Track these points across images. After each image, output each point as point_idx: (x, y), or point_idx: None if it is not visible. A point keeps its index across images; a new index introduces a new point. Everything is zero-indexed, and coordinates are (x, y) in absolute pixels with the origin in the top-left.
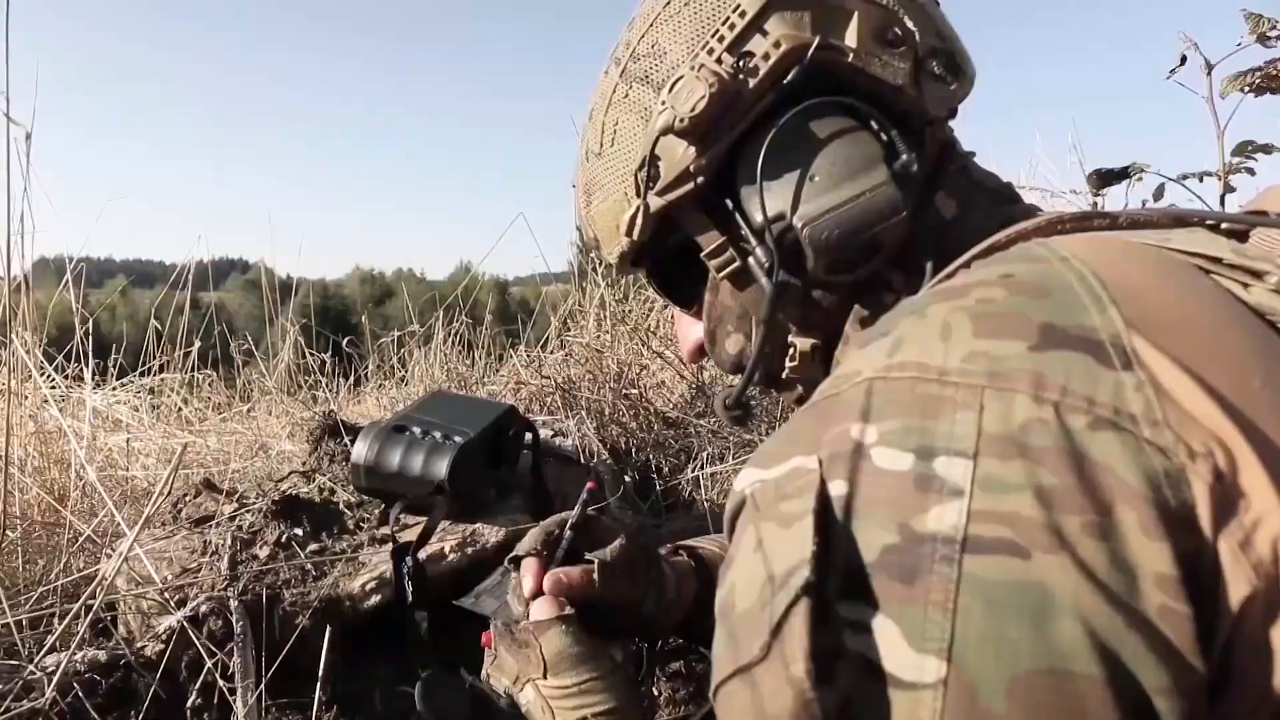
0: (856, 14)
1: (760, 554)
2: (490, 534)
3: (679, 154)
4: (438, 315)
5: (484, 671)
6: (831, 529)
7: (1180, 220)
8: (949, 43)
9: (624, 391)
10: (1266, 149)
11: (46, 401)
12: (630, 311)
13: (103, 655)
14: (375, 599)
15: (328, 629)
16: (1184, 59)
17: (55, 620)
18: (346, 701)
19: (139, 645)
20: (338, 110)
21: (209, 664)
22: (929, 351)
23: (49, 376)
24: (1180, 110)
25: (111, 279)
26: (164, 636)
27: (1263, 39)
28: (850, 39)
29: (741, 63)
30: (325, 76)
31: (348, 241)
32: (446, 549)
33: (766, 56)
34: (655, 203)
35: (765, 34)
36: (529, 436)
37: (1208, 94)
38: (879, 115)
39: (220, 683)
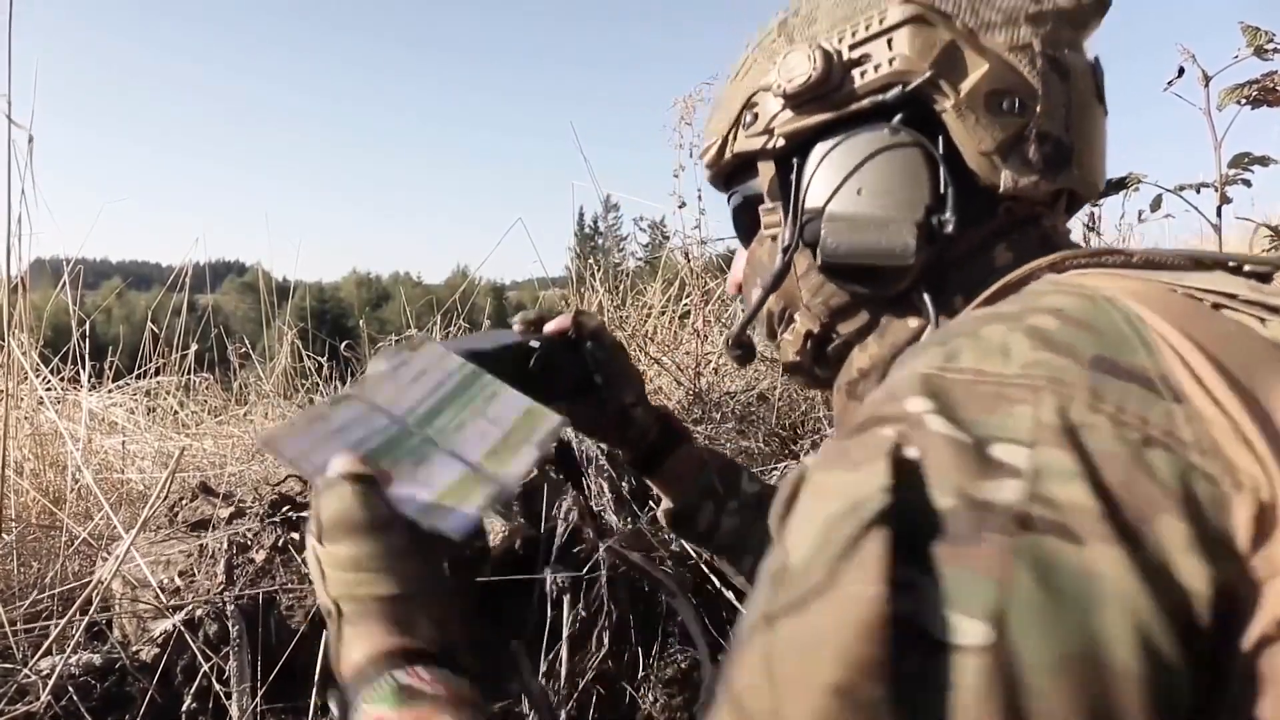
0: (985, 68)
1: (823, 499)
2: (490, 536)
3: (771, 110)
4: (435, 319)
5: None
6: (901, 481)
7: (1198, 262)
8: (1073, 138)
9: None
10: (1263, 161)
11: (42, 403)
12: (628, 318)
13: (98, 659)
14: None
15: (324, 633)
16: (1181, 71)
17: (51, 624)
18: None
19: (134, 649)
20: (337, 113)
21: (204, 668)
22: (987, 362)
23: (45, 378)
24: (1178, 121)
25: (108, 280)
26: (159, 640)
27: (1260, 52)
28: (963, 87)
29: (859, 59)
30: (324, 79)
31: (345, 244)
32: None
33: (878, 67)
34: (740, 143)
35: (890, 46)
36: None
37: (1205, 106)
38: (947, 167)
39: (216, 686)
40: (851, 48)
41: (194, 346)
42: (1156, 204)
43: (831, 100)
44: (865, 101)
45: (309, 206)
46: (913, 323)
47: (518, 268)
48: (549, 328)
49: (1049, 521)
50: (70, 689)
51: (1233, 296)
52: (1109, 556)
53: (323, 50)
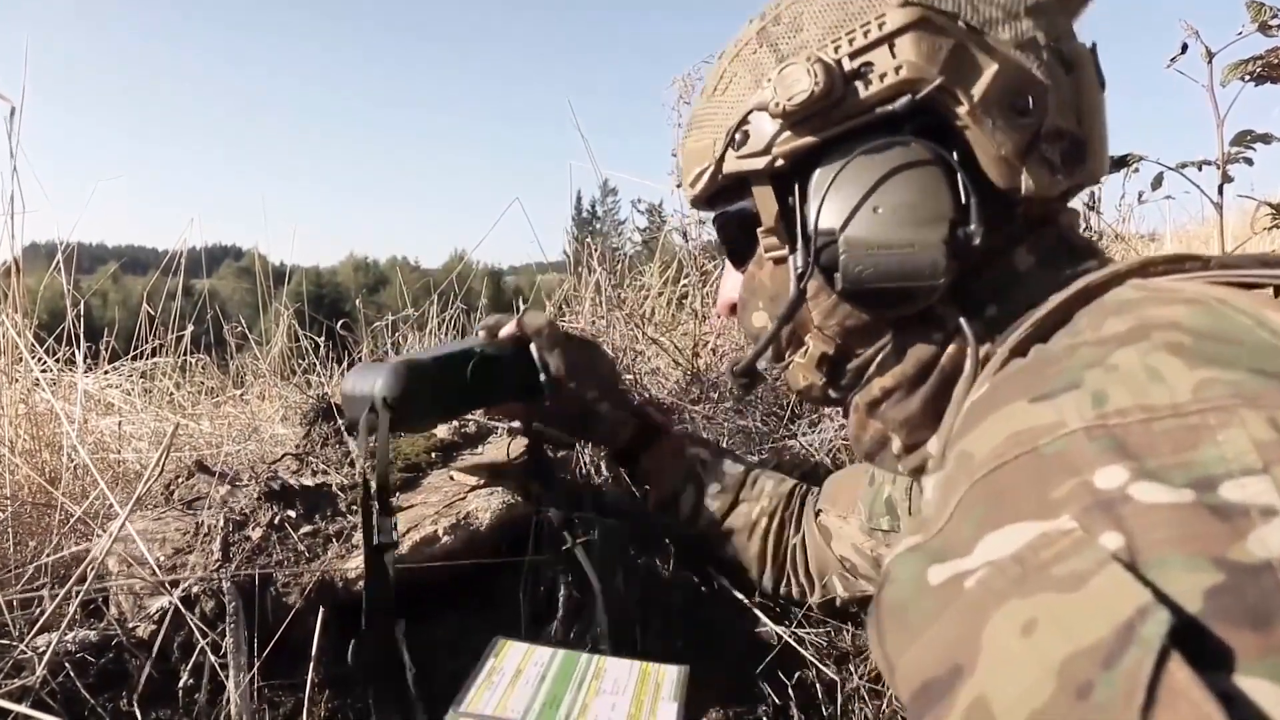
0: (995, 69)
1: (1037, 637)
2: (483, 516)
3: (768, 130)
4: (432, 301)
5: None
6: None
7: (1266, 262)
8: (1086, 130)
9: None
10: (1265, 139)
11: (38, 384)
12: (625, 298)
13: (94, 635)
14: None
15: (320, 610)
16: (1185, 47)
17: (46, 600)
18: (339, 682)
19: (131, 626)
20: (333, 98)
21: (202, 644)
22: (1146, 394)
23: (40, 359)
24: (1176, 106)
25: (104, 265)
26: (156, 617)
27: (1264, 28)
28: (976, 91)
29: (861, 69)
30: (320, 65)
31: (342, 230)
32: (440, 531)
33: (883, 76)
34: (731, 164)
35: (894, 53)
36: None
37: (1208, 82)
38: (966, 176)
39: (213, 660)
40: (851, 57)
41: (190, 328)
42: (1158, 182)
43: (835, 115)
44: (872, 114)
45: (306, 193)
46: (937, 337)
47: (515, 252)
48: (502, 333)
49: None
50: (67, 665)
51: None
52: None
53: (319, 38)
